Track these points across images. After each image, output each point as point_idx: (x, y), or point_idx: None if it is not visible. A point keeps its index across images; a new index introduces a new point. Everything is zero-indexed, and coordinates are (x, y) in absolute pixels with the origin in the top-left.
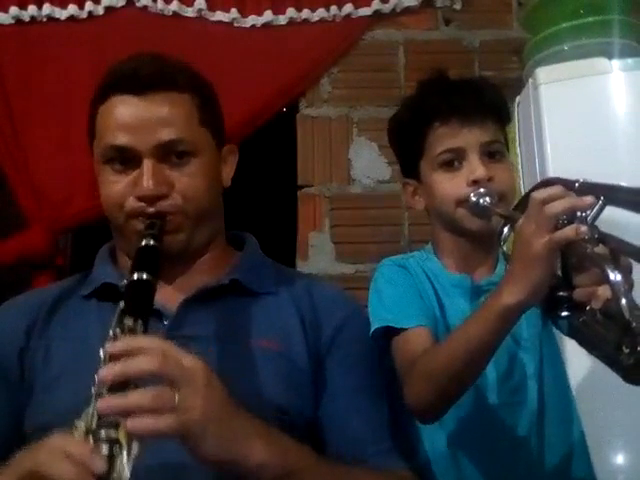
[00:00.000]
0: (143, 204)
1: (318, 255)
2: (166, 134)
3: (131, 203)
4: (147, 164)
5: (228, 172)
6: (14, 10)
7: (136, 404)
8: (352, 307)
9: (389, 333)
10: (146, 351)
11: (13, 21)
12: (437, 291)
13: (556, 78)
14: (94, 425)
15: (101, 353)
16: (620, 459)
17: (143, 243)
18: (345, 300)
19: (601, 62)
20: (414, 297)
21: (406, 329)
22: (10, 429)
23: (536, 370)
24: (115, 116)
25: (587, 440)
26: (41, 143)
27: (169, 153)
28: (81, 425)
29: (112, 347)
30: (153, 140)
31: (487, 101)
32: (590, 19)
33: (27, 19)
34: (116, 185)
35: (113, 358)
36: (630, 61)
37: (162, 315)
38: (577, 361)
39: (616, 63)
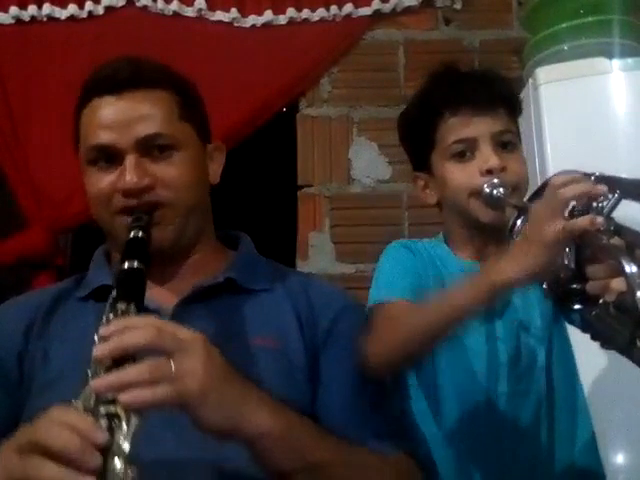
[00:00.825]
0: (129, 199)
1: (318, 255)
2: (146, 128)
3: (117, 199)
4: (129, 159)
5: (215, 169)
6: (14, 10)
7: (131, 378)
8: (347, 300)
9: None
10: (140, 326)
11: (13, 21)
12: (443, 276)
13: (556, 78)
14: (92, 403)
15: (95, 337)
16: (620, 459)
17: (131, 235)
18: (340, 294)
19: (601, 62)
20: (409, 274)
21: (390, 300)
22: (9, 432)
23: (545, 361)
24: (96, 117)
25: None
26: (41, 143)
27: (151, 147)
28: (79, 404)
29: (105, 330)
30: (133, 135)
31: (498, 91)
32: (590, 19)
33: (27, 19)
34: (101, 183)
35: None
36: (630, 61)
37: (160, 315)
38: (583, 359)
39: (616, 63)
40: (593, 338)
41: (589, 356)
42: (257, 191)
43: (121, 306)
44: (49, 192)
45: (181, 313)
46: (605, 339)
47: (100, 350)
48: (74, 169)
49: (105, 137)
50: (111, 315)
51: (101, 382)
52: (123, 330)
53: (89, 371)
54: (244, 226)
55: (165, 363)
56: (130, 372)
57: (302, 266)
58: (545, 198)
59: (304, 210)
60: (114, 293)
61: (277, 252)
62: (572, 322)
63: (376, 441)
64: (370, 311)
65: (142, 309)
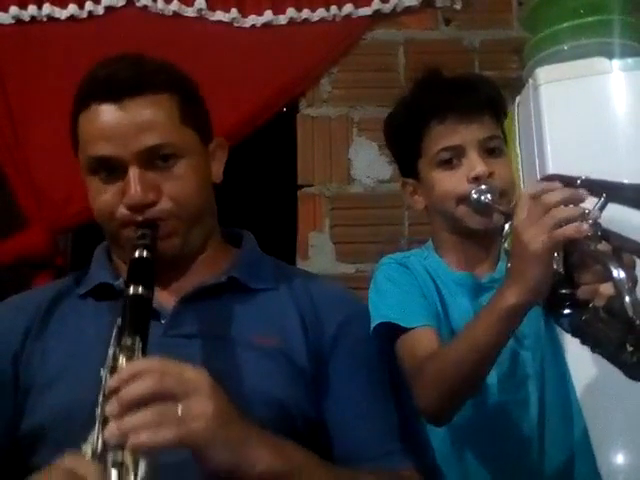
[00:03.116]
0: (133, 213)
1: (318, 255)
2: (148, 139)
3: (121, 212)
4: (133, 172)
5: (218, 168)
6: (14, 10)
7: (139, 423)
8: (354, 305)
9: (392, 331)
10: (144, 373)
11: (13, 21)
12: (440, 289)
13: (556, 78)
14: (99, 449)
15: (102, 373)
16: (620, 459)
17: (136, 255)
18: (347, 298)
19: (601, 62)
20: (417, 296)
21: (412, 328)
22: (4, 431)
23: (537, 368)
24: (95, 126)
25: None
26: (41, 143)
27: (154, 158)
28: (87, 449)
29: (111, 381)
30: (136, 147)
31: (483, 97)
32: (590, 19)
33: (27, 19)
34: (105, 195)
35: (112, 392)
36: (630, 61)
37: (160, 315)
38: (577, 361)
39: (616, 63)
40: (583, 342)
41: (587, 356)
42: (257, 191)
43: (127, 341)
44: (49, 192)
45: (181, 312)
46: (595, 343)
47: (109, 408)
48: (74, 169)
49: (106, 149)
50: (117, 350)
51: (111, 431)
52: (127, 380)
53: (97, 411)
54: (244, 226)
55: (170, 405)
56: (137, 418)
57: (302, 266)
58: (526, 212)
59: (304, 210)
60: (119, 322)
61: (277, 252)
62: (562, 326)
63: (389, 456)
64: (384, 331)
65: (147, 341)
